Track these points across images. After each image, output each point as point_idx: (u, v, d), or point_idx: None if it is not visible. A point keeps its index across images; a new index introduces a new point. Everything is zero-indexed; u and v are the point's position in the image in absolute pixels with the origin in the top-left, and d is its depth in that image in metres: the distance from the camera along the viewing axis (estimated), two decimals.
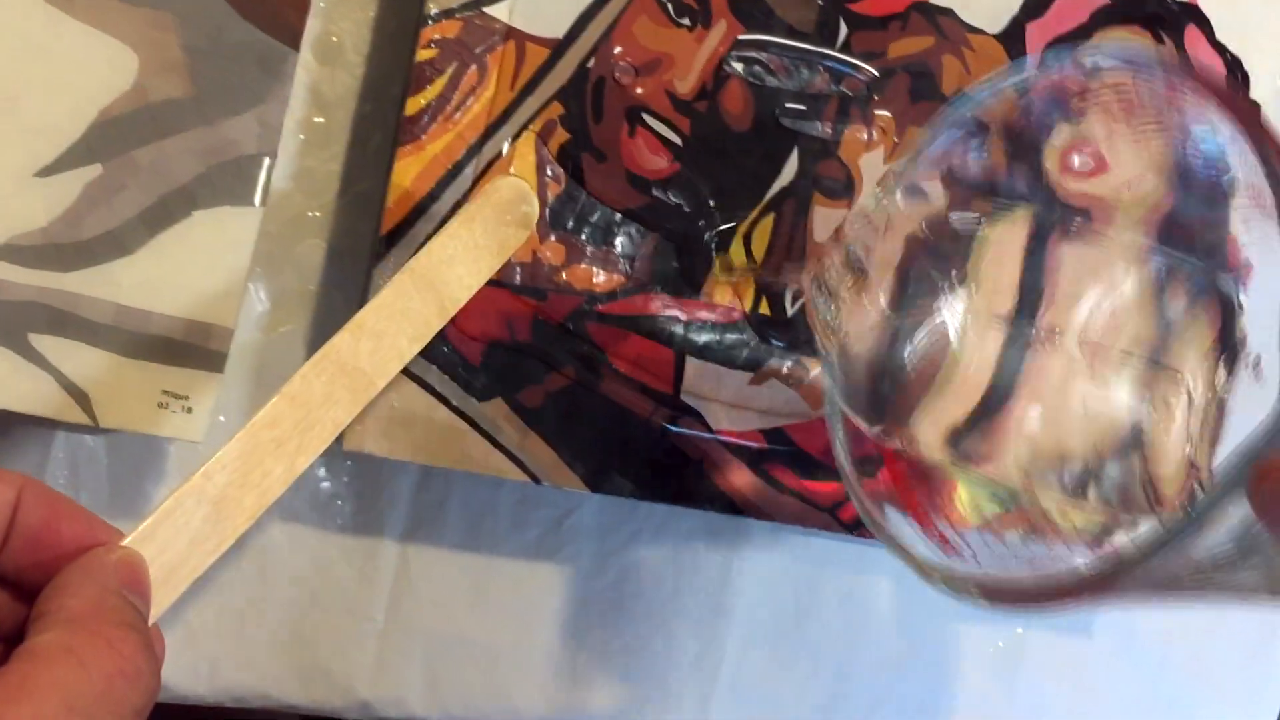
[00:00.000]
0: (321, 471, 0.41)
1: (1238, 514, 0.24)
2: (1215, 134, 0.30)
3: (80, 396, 0.34)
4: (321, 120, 0.40)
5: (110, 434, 0.38)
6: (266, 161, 0.35)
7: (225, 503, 0.29)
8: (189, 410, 0.35)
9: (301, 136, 0.40)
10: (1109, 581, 0.26)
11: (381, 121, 0.41)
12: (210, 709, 0.43)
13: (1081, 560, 0.27)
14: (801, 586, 0.47)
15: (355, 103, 0.40)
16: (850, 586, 0.48)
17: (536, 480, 0.39)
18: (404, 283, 0.34)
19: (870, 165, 0.42)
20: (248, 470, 0.29)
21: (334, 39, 0.40)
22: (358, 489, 0.42)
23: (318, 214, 0.40)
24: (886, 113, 0.42)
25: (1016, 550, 0.35)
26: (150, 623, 0.27)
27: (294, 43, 0.36)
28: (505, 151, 0.38)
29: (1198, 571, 0.26)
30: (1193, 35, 0.47)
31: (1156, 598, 0.28)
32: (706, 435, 0.41)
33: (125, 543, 0.27)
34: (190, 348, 0.35)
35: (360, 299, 0.39)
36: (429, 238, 0.36)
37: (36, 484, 0.26)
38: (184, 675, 0.40)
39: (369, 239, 0.40)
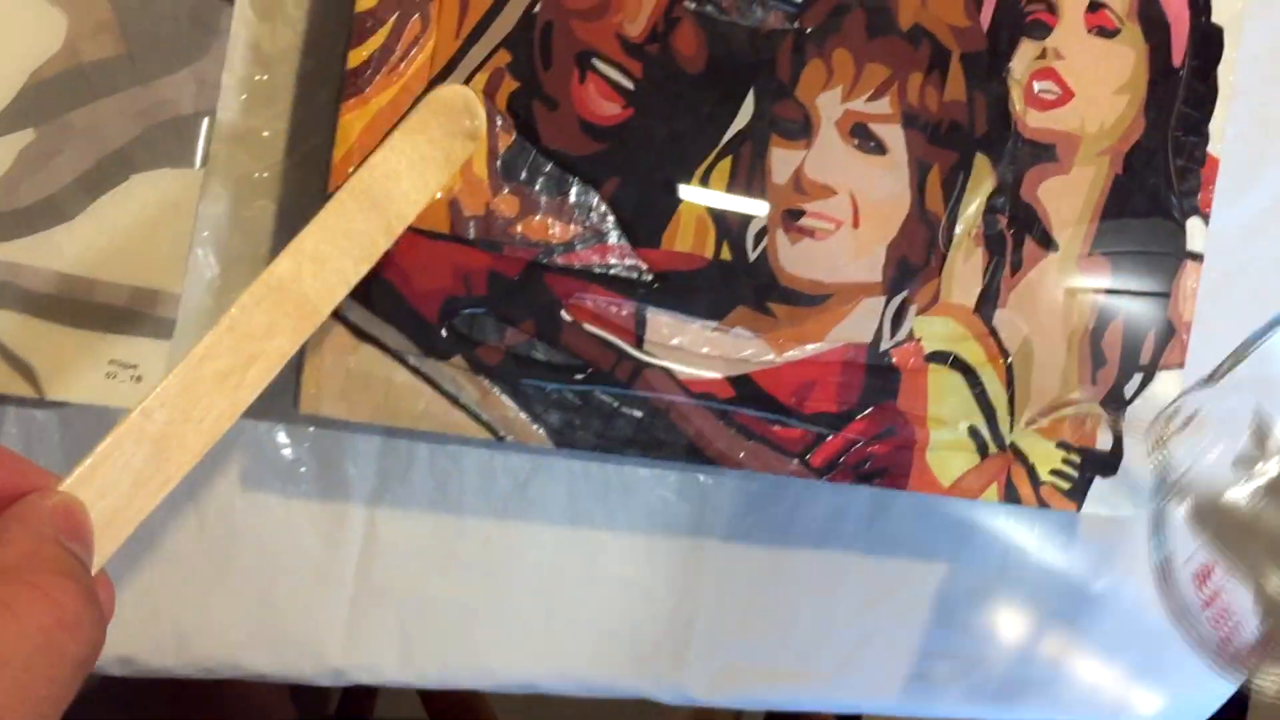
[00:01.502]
0: (282, 437, 0.40)
1: None
2: None
3: (24, 368, 0.33)
4: (264, 78, 0.39)
5: (61, 407, 0.38)
6: (205, 121, 0.35)
7: (167, 441, 0.27)
8: (138, 379, 0.34)
9: (244, 96, 0.39)
10: None
11: (326, 77, 0.40)
12: (194, 682, 0.43)
13: None
14: (775, 534, 0.47)
15: (298, 59, 0.39)
16: (824, 531, 0.48)
17: (500, 438, 0.38)
18: (345, 201, 0.32)
19: (827, 104, 0.41)
20: (188, 406, 0.28)
21: None
22: (321, 454, 0.41)
23: (265, 175, 0.39)
24: (844, 50, 0.41)
25: None
26: (95, 570, 0.26)
27: None
28: None
29: None
30: None
31: None
32: (672, 386, 0.40)
33: (62, 487, 0.26)
34: (137, 315, 0.34)
35: None
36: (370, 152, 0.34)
37: None
38: (151, 648, 0.40)
39: (319, 199, 0.39)
